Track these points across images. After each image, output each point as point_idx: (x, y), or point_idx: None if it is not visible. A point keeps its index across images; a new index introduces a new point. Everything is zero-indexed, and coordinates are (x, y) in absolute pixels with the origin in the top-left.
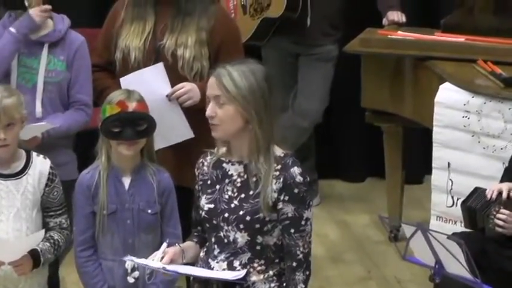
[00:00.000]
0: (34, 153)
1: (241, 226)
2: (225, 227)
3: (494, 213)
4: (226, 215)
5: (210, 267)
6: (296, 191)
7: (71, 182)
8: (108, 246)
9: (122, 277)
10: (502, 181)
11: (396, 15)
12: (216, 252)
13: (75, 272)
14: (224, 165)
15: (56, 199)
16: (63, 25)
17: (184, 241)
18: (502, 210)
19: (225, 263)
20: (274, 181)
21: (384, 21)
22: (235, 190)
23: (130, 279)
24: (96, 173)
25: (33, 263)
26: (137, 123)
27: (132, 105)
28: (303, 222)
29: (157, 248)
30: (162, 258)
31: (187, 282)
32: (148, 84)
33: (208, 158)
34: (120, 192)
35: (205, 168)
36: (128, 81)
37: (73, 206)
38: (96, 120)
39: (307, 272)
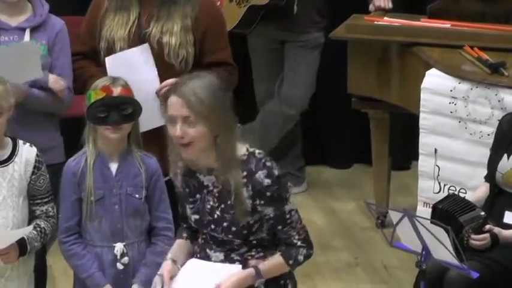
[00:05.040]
0: (20, 141)
1: (231, 236)
2: (216, 234)
3: (467, 235)
4: (212, 226)
5: (207, 256)
6: (269, 194)
7: (58, 166)
8: (96, 232)
9: (111, 263)
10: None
11: (382, 1)
12: (213, 246)
13: (63, 260)
14: (197, 175)
15: (43, 187)
16: (43, 9)
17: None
18: (473, 236)
19: (222, 253)
20: (245, 189)
21: (370, 7)
22: (215, 200)
23: (120, 266)
24: (82, 159)
25: (19, 251)
26: (122, 108)
27: (117, 90)
28: (287, 216)
29: (145, 232)
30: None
31: None
32: (134, 65)
33: (179, 167)
34: (108, 178)
35: (179, 176)
36: (113, 61)
37: (59, 193)
38: (82, 108)
39: (311, 251)
